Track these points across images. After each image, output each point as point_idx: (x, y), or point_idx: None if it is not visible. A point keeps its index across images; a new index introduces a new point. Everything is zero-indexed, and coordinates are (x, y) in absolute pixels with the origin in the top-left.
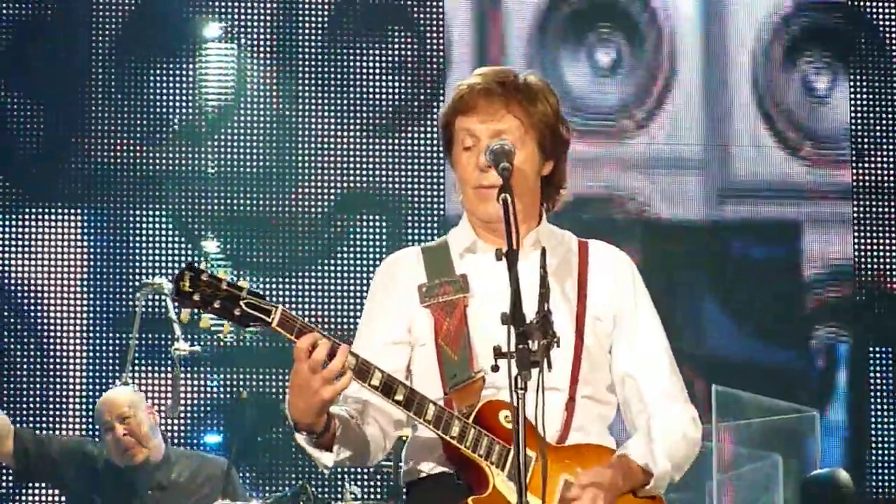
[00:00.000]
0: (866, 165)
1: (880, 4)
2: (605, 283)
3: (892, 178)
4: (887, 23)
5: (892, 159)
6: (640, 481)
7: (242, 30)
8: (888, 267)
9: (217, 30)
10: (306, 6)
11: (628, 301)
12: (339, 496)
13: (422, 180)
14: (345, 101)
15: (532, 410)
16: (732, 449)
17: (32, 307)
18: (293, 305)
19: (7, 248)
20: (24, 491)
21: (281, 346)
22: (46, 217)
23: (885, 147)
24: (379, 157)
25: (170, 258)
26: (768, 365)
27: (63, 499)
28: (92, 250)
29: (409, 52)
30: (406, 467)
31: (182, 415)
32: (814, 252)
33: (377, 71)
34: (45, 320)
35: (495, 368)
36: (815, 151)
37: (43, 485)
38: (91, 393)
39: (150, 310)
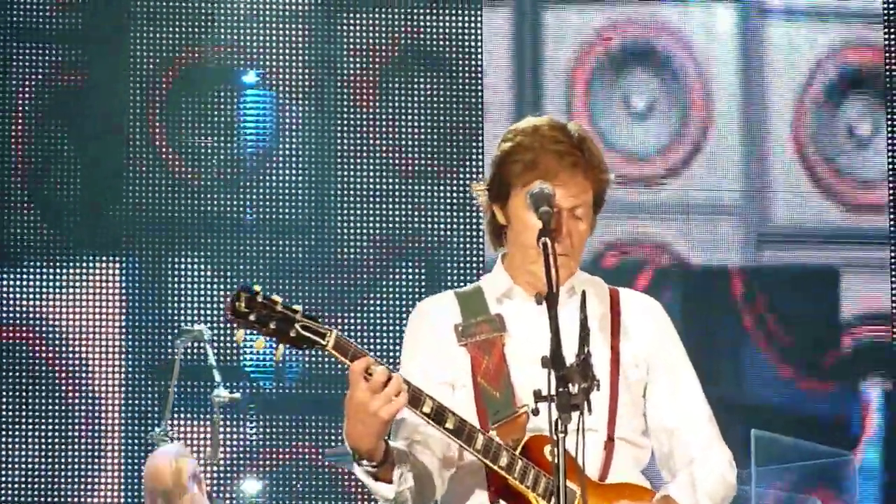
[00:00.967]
0: None
1: None
2: (639, 329)
3: None
4: None
5: None
6: None
7: (280, 76)
8: None
9: (254, 77)
10: (343, 52)
11: (663, 349)
12: None
13: (460, 225)
14: (381, 146)
15: (573, 451)
16: (772, 493)
17: (72, 355)
18: None
19: (48, 297)
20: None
21: (317, 394)
22: (86, 265)
23: None
24: (417, 201)
25: (209, 305)
26: (806, 409)
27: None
28: (131, 298)
29: (446, 96)
30: None
31: (220, 461)
32: (851, 297)
33: (414, 115)
34: (85, 368)
35: (536, 412)
36: (852, 195)
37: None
38: (131, 441)
39: (189, 357)
